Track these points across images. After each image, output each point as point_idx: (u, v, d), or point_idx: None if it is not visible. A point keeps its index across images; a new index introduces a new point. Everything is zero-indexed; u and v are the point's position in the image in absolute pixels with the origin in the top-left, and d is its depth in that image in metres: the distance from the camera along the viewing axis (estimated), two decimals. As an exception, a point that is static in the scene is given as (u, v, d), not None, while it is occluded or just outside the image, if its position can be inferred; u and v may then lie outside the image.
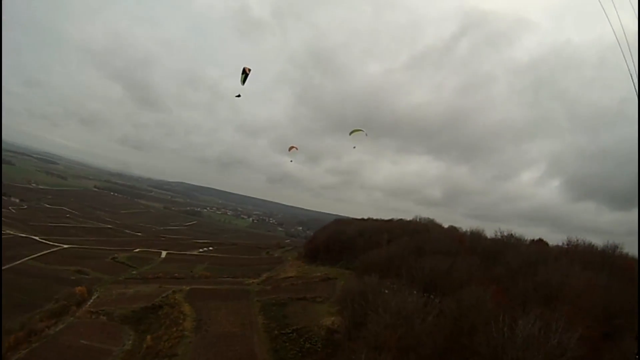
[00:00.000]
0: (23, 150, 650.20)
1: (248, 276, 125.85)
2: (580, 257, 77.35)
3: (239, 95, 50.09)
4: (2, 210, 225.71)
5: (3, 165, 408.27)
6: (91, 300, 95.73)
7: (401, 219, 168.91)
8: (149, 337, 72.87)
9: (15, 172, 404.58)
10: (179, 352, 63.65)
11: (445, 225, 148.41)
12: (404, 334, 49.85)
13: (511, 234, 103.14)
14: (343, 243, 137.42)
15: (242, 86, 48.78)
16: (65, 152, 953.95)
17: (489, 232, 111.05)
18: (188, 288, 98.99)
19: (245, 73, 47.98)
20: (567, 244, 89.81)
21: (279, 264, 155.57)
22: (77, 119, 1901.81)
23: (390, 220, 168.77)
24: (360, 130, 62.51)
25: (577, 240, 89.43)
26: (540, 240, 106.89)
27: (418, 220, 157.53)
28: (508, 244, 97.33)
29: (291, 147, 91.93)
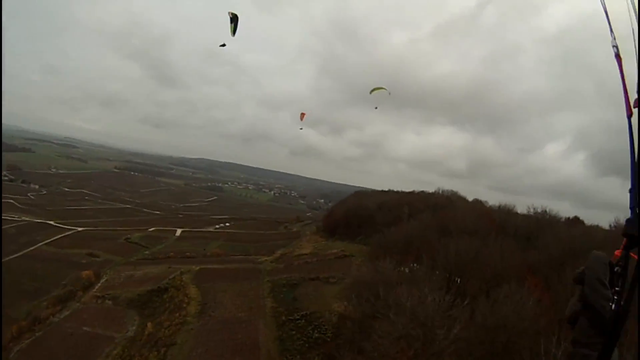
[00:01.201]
0: (43, 137, 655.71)
1: (262, 253, 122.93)
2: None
3: (223, 45, 44.22)
4: (22, 197, 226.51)
5: (24, 154, 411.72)
6: (99, 284, 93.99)
7: (423, 191, 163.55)
8: (149, 323, 69.74)
9: (35, 159, 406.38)
10: (179, 340, 60.08)
11: (470, 199, 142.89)
12: (421, 350, 40.34)
13: (545, 211, 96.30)
14: (362, 217, 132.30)
15: (232, 37, 42.25)
16: (86, 135, 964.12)
17: (518, 207, 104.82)
18: (197, 268, 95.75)
19: (234, 20, 41.29)
20: (615, 226, 76.22)
21: (296, 239, 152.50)
22: (97, 102, 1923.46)
23: (412, 193, 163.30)
24: (382, 88, 55.48)
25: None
26: (577, 220, 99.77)
27: (440, 192, 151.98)
28: (542, 223, 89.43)
29: (302, 115, 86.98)
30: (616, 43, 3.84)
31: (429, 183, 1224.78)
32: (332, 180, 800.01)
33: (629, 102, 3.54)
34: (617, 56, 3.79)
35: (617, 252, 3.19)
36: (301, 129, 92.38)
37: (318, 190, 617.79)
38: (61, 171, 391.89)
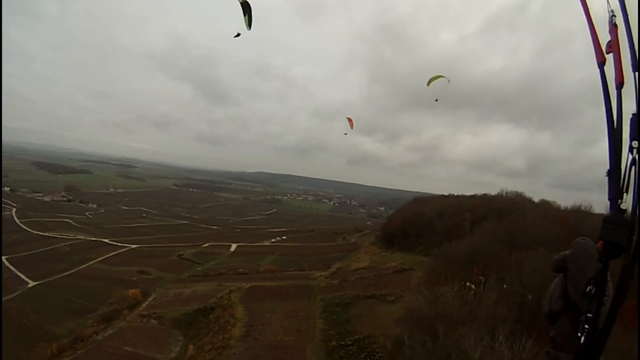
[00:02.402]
0: (101, 158, 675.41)
1: (317, 268, 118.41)
2: None
3: (238, 35, 38.93)
4: (79, 217, 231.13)
5: (82, 175, 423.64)
6: (146, 303, 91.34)
7: (485, 194, 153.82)
8: (191, 346, 66.00)
9: (93, 180, 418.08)
10: (218, 365, 55.50)
11: (536, 200, 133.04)
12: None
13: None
14: (420, 226, 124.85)
15: (248, 30, 36.84)
16: (143, 155, 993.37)
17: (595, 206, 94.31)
18: (247, 286, 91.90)
19: (247, 10, 35.43)
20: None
21: (354, 250, 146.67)
22: (151, 123, 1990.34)
23: (473, 197, 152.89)
24: (441, 76, 49.03)
25: None
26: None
27: (504, 194, 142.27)
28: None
29: (350, 121, 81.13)
30: None
31: (487, 184, 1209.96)
32: (391, 187, 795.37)
33: (599, 45, 2.97)
34: None
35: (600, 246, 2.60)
36: (345, 134, 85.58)
37: (377, 197, 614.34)
38: (119, 190, 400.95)
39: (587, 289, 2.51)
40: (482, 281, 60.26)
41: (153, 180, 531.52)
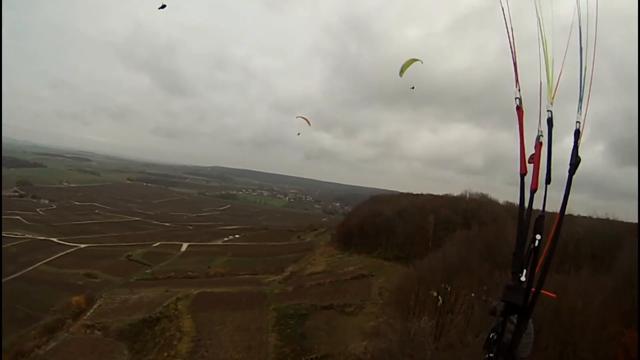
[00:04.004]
0: (55, 151, 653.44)
1: (270, 271, 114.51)
2: None
3: (163, 6, 35.06)
4: (30, 213, 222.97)
5: (35, 169, 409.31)
6: (91, 310, 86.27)
7: (447, 195, 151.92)
8: (132, 365, 61.60)
9: (47, 174, 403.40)
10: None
11: (500, 201, 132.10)
12: None
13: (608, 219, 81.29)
14: (379, 226, 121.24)
15: None
16: (99, 148, 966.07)
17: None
18: (196, 292, 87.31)
19: None
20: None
21: (309, 251, 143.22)
22: (108, 114, 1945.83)
23: (436, 197, 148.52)
24: (415, 59, 44.51)
25: None
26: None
27: (467, 195, 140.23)
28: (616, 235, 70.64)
29: (305, 119, 77.79)
30: (520, 95, 4.33)
31: (445, 180, 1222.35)
32: (347, 183, 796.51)
33: (524, 159, 3.96)
34: (518, 109, 4.28)
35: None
36: (299, 134, 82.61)
37: (333, 193, 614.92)
38: (72, 185, 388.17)
39: (490, 336, 3.27)
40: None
41: (108, 174, 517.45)
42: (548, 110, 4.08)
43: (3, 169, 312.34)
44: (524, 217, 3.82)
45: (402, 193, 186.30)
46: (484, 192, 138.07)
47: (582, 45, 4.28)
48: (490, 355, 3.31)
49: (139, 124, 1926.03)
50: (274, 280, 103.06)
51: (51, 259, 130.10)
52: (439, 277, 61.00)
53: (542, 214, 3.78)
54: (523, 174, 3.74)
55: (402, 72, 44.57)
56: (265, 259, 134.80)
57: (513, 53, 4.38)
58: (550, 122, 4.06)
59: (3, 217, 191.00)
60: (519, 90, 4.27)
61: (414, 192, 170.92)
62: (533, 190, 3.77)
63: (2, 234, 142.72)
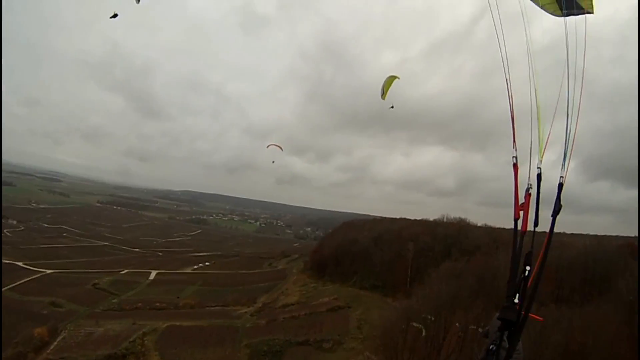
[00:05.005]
0: (26, 170, 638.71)
1: (241, 302, 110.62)
2: None
3: (115, 16, 32.90)
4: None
5: (5, 188, 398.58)
6: (55, 343, 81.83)
7: (425, 220, 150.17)
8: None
9: (17, 193, 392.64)
10: None
11: (479, 224, 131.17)
12: None
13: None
14: (355, 254, 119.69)
15: (136, 3, 31.29)
16: (70, 169, 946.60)
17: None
18: (164, 326, 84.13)
19: None
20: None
21: (282, 279, 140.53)
22: (80, 135, 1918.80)
23: (413, 222, 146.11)
24: (395, 77, 42.70)
25: None
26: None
27: (445, 220, 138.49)
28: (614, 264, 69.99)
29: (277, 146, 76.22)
30: (516, 154, 5.13)
31: (417, 203, 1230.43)
32: (319, 207, 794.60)
33: (517, 206, 4.79)
34: (515, 166, 5.09)
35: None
36: (273, 162, 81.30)
37: (304, 218, 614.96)
38: (42, 206, 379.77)
39: (490, 347, 3.95)
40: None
41: (78, 196, 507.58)
42: (538, 167, 4.84)
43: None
44: (517, 249, 4.56)
45: (375, 218, 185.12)
46: (459, 213, 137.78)
47: (569, 113, 5.25)
48: None
49: (111, 146, 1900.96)
50: (245, 312, 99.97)
51: (16, 284, 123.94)
52: (430, 314, 58.27)
53: (531, 250, 4.56)
54: (516, 219, 4.44)
55: (384, 94, 43.19)
56: (237, 288, 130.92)
57: (512, 120, 5.24)
58: (539, 177, 4.76)
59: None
60: (516, 150, 4.98)
61: (386, 216, 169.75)
62: (523, 232, 4.42)
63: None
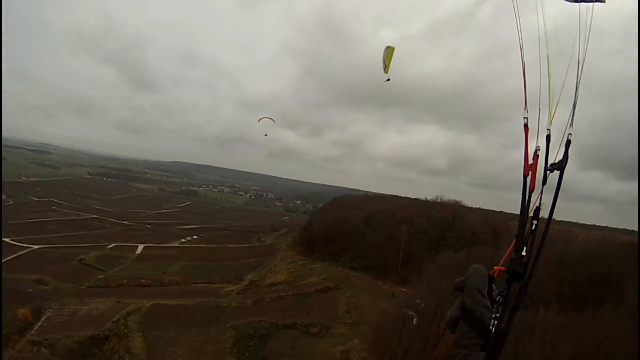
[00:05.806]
0: (16, 143, 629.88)
1: (228, 280, 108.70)
2: None
3: None
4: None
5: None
6: (39, 324, 79.37)
7: (417, 199, 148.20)
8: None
9: (6, 167, 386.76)
10: None
11: (473, 206, 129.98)
12: None
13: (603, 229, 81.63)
14: (346, 233, 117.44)
15: None
16: (61, 141, 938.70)
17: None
18: (149, 304, 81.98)
19: None
20: None
21: (270, 255, 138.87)
22: (72, 108, 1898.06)
23: (406, 203, 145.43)
24: (392, 47, 40.55)
25: None
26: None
27: (439, 201, 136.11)
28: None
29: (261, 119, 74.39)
30: (527, 114, 4.78)
31: (408, 181, 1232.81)
32: (309, 181, 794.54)
33: (527, 164, 4.50)
34: (525, 126, 4.76)
35: (496, 268, 3.96)
36: (266, 135, 79.77)
37: (295, 191, 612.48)
38: (32, 179, 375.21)
39: (497, 298, 3.63)
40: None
41: (68, 168, 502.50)
42: (547, 129, 4.48)
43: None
44: (526, 204, 4.21)
45: (366, 194, 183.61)
46: (451, 194, 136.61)
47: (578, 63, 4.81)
48: (497, 314, 3.53)
49: (102, 118, 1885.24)
50: (231, 290, 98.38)
51: (2, 262, 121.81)
52: (429, 311, 54.63)
53: (539, 205, 4.18)
54: (525, 175, 4.29)
55: (387, 68, 41.22)
56: (224, 264, 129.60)
57: (524, 81, 4.67)
58: (548, 138, 4.47)
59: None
60: (527, 111, 4.67)
61: (377, 192, 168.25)
62: (531, 190, 4.21)
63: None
